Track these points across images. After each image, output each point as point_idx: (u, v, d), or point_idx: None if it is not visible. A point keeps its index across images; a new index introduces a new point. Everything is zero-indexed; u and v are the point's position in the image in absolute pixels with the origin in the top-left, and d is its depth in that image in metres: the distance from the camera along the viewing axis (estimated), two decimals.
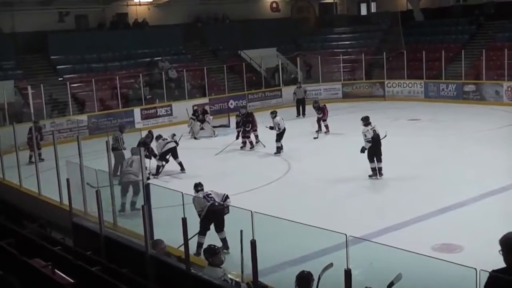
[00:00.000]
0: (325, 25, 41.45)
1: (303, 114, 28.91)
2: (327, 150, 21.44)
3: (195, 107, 27.08)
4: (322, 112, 24.17)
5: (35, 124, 20.94)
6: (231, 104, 30.47)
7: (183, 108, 28.33)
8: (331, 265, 7.22)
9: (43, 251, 8.49)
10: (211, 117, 26.07)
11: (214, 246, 8.77)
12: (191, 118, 25.46)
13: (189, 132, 24.86)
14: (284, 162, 19.41)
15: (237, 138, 22.21)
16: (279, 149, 20.53)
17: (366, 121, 17.04)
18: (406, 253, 6.85)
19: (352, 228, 11.79)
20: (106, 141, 12.63)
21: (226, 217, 11.59)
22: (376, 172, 16.60)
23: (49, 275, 7.15)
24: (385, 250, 10.60)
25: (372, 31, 39.17)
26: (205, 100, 29.62)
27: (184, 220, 8.06)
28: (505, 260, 4.77)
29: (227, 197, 11.87)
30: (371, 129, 16.70)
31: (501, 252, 4.92)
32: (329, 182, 16.76)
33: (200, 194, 11.95)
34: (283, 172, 18.32)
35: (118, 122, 27.07)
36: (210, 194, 11.87)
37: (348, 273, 6.20)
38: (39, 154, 19.80)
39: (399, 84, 33.09)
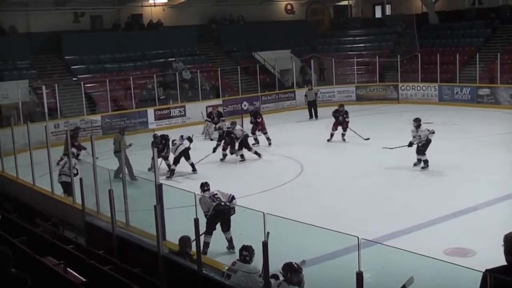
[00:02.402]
0: (339, 28, 41.43)
1: (316, 116, 28.84)
2: (339, 152, 21.40)
3: (210, 109, 27.06)
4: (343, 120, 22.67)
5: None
6: (245, 105, 30.49)
7: (197, 109, 28.43)
8: (412, 279, 7.20)
9: (56, 249, 8.54)
10: (226, 123, 26.09)
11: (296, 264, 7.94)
12: (206, 120, 25.53)
13: (203, 133, 24.90)
14: (297, 164, 19.38)
15: (214, 151, 20.68)
16: (243, 157, 20.30)
17: (417, 122, 18.01)
18: (418, 256, 6.82)
19: (364, 231, 11.82)
20: (120, 141, 12.67)
21: (238, 218, 11.60)
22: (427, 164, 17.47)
23: (61, 273, 7.19)
24: (397, 253, 10.58)
25: (386, 34, 39.12)
26: (218, 101, 29.66)
27: (196, 221, 8.08)
28: (506, 258, 4.76)
29: (233, 197, 11.84)
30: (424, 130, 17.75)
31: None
32: (341, 185, 16.73)
33: (206, 194, 11.97)
34: (296, 174, 18.30)
35: (131, 122, 27.27)
36: (216, 194, 11.87)
37: (359, 276, 6.19)
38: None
39: (413, 87, 32.95)
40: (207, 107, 27.56)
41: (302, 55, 36.15)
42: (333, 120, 22.93)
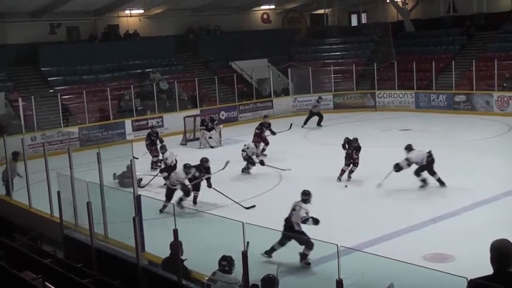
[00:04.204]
0: (316, 36, 41.59)
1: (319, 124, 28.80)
2: (319, 161, 21.44)
3: (202, 117, 26.87)
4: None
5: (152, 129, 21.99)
6: (222, 115, 30.52)
7: (174, 119, 28.35)
8: (392, 285, 7.21)
9: (34, 263, 8.47)
10: (221, 126, 26.12)
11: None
12: (201, 129, 25.43)
13: (200, 144, 25.01)
14: (276, 174, 19.39)
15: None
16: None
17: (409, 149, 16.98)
18: (398, 263, 6.85)
19: (343, 238, 11.84)
20: (97, 153, 12.60)
21: (218, 228, 11.60)
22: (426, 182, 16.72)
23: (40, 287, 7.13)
24: (376, 260, 10.60)
25: (363, 42, 39.33)
26: (196, 111, 29.55)
27: (175, 232, 8.05)
28: (493, 266, 4.79)
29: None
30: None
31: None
32: (321, 193, 16.72)
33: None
34: (275, 184, 18.32)
35: (109, 134, 27.18)
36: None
37: (339, 284, 6.20)
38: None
39: (390, 94, 33.21)
40: (184, 117, 27.39)
41: (279, 64, 36.16)
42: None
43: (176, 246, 8.32)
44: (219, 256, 8.47)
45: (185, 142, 26.03)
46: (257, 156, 19.83)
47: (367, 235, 12.72)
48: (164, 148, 19.01)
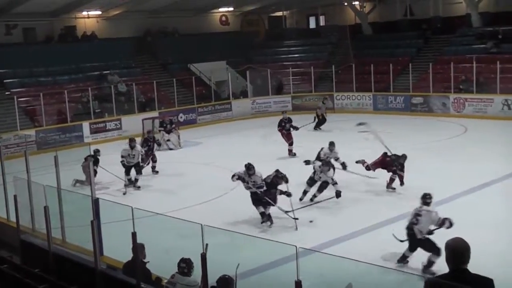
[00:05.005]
0: (274, 39, 41.74)
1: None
2: (277, 161, 21.48)
3: (161, 119, 26.72)
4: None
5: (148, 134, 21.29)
6: (181, 117, 30.45)
7: (132, 121, 28.15)
8: (350, 285, 7.23)
9: None
10: (177, 130, 25.97)
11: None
12: (160, 130, 25.27)
13: (159, 145, 24.62)
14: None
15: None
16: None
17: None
18: (356, 263, 6.92)
19: (302, 240, 11.92)
20: (55, 156, 12.45)
21: (176, 230, 11.57)
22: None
23: None
24: (335, 260, 10.68)
25: (321, 44, 39.66)
26: (155, 113, 29.42)
27: (134, 235, 8.01)
28: (448, 264, 4.88)
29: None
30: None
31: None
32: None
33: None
34: (233, 186, 18.30)
35: (66, 137, 26.87)
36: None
37: (298, 285, 6.23)
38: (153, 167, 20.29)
39: (348, 96, 33.55)
40: (143, 120, 27.26)
41: (238, 66, 36.20)
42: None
43: (135, 249, 8.28)
44: (179, 259, 8.46)
45: (133, 143, 25.79)
46: (335, 160, 17.76)
47: (325, 236, 12.79)
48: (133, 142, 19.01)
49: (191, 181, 19.34)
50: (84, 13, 34.69)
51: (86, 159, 17.43)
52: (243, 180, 14.38)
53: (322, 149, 17.45)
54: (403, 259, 11.21)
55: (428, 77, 31.37)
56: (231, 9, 41.37)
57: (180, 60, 35.45)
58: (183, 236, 11.14)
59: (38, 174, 13.82)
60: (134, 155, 18.47)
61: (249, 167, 14.27)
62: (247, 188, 14.36)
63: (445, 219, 10.84)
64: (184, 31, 37.91)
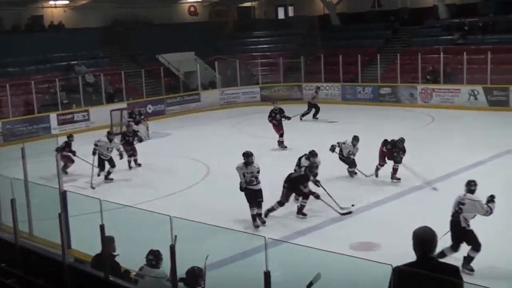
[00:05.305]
0: (243, 29, 41.64)
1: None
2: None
3: (130, 110, 26.47)
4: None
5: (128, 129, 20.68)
6: (149, 108, 30.28)
7: (100, 113, 27.90)
8: (319, 275, 7.21)
9: None
10: (146, 121, 25.75)
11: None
12: (129, 121, 25.04)
13: (140, 141, 24.19)
14: (203, 167, 19.36)
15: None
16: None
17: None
18: (325, 253, 6.93)
19: (271, 231, 11.95)
20: (22, 148, 12.31)
21: (145, 222, 11.51)
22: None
23: None
24: (304, 251, 10.71)
25: (290, 35, 39.64)
26: (123, 105, 29.17)
27: (102, 228, 7.96)
28: (415, 253, 4.94)
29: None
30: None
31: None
32: None
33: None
34: (202, 177, 18.29)
35: (33, 128, 26.55)
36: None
37: (267, 275, 6.24)
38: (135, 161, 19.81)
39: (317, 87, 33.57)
40: (111, 111, 27.00)
41: (206, 57, 36.04)
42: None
43: (104, 242, 8.22)
44: (147, 251, 8.42)
45: (112, 136, 25.63)
46: (352, 154, 17.06)
47: (295, 227, 12.84)
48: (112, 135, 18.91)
49: (160, 172, 19.26)
50: (51, 2, 34.31)
51: (58, 149, 17.21)
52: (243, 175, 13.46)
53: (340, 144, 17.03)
54: (469, 262, 10.36)
55: (396, 68, 31.63)
56: None
57: (149, 51, 35.17)
58: (152, 228, 11.09)
59: (5, 167, 13.68)
60: (111, 148, 18.22)
61: (249, 154, 13.42)
62: (244, 183, 13.43)
63: (490, 207, 10.28)
64: (153, 21, 37.64)
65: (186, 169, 19.34)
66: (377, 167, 16.73)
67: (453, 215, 10.41)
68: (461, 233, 10.28)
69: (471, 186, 10.50)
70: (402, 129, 23.65)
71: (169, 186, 16.89)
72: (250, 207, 13.30)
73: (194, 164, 19.75)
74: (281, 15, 45.75)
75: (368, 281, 8.40)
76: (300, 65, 34.25)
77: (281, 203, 13.70)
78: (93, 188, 17.34)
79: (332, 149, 16.83)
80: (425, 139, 22.10)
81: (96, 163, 18.00)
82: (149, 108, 30.27)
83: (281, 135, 21.83)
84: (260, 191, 13.38)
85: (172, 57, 34.73)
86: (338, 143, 16.86)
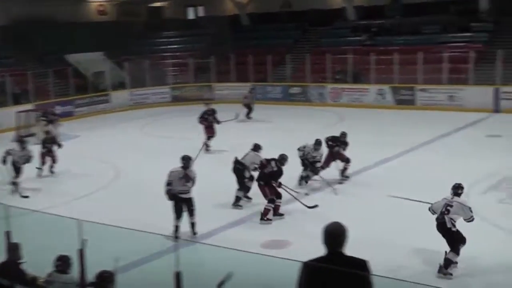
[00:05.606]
0: (153, 29, 41.26)
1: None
2: (156, 154, 21.38)
3: (43, 110, 25.69)
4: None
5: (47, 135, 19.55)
6: (58, 109, 29.59)
7: (6, 115, 27.00)
8: (230, 274, 7.17)
9: None
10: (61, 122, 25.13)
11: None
12: (42, 119, 24.32)
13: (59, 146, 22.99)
14: (113, 168, 19.12)
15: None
16: None
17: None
18: (235, 251, 7.01)
19: (183, 231, 11.91)
20: None
21: (51, 227, 11.30)
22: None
23: None
24: (215, 250, 10.79)
25: (200, 35, 39.56)
26: (30, 106, 28.42)
27: (7, 234, 7.77)
28: (325, 248, 5.03)
29: None
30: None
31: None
32: (158, 185, 16.69)
33: None
34: (113, 177, 18.07)
35: None
36: None
37: (178, 275, 6.25)
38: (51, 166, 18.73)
39: (228, 87, 33.81)
40: (17, 113, 26.10)
41: (115, 57, 35.51)
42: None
43: (9, 249, 8.02)
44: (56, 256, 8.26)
45: (18, 138, 24.89)
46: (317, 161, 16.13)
47: (206, 227, 12.82)
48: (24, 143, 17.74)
49: (69, 175, 18.87)
50: None
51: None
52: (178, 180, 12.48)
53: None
54: (446, 266, 10.35)
55: (305, 68, 32.14)
56: None
57: (56, 50, 34.31)
58: (60, 233, 10.89)
59: None
60: (24, 156, 17.36)
61: (189, 158, 12.62)
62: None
63: (472, 217, 10.38)
64: (60, 20, 36.71)
65: (95, 172, 18.97)
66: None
67: (438, 218, 10.50)
68: (447, 233, 10.37)
69: (457, 190, 10.62)
70: (312, 128, 24.16)
71: (78, 190, 16.54)
72: (177, 218, 12.27)
73: (104, 166, 19.46)
74: (191, 15, 45.62)
75: (280, 277, 8.49)
76: (210, 65, 34.31)
77: (272, 201, 13.52)
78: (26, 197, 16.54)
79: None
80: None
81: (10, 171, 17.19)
82: (57, 109, 29.55)
83: (209, 138, 21.09)
84: (192, 199, 12.46)
85: (80, 57, 34.10)
86: (298, 148, 16.26)
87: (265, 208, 13.39)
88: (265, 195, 13.61)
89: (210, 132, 21.19)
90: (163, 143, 22.77)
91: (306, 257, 5.10)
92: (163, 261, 9.74)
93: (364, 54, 31.38)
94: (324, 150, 16.41)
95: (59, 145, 19.02)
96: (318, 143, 15.99)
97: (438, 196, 10.59)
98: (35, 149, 18.42)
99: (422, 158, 16.90)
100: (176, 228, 12.14)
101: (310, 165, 15.99)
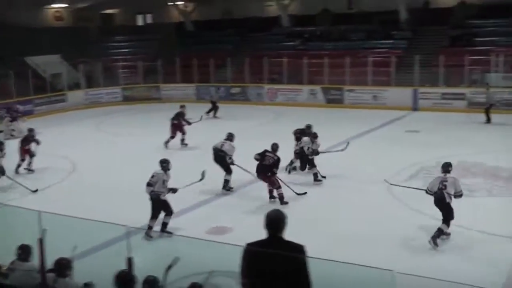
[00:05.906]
0: (106, 34, 40.78)
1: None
2: (110, 148, 21.18)
3: (8, 107, 25.07)
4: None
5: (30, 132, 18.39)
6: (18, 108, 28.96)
7: None
8: (177, 259, 7.15)
9: None
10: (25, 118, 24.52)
11: None
12: (5, 116, 23.71)
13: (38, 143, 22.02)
14: (69, 163, 18.85)
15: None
16: None
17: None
18: (182, 238, 7.05)
19: (133, 219, 11.83)
20: None
21: (11, 219, 11.12)
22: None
23: None
24: (163, 237, 10.76)
25: (148, 40, 39.36)
26: None
27: None
28: (266, 232, 5.11)
29: None
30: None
31: None
32: (114, 178, 16.60)
33: None
34: (68, 173, 17.83)
35: None
36: None
37: (130, 261, 6.27)
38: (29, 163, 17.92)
39: (174, 87, 33.84)
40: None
41: (71, 59, 34.96)
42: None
43: None
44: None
45: None
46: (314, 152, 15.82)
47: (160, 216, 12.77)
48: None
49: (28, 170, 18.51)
50: None
51: None
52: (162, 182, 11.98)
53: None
54: (439, 235, 10.74)
55: (245, 70, 32.32)
56: (65, 5, 39.91)
57: (16, 53, 33.51)
58: (22, 224, 10.72)
59: None
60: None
61: (168, 161, 12.12)
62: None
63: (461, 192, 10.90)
64: (20, 25, 35.81)
65: (53, 167, 18.63)
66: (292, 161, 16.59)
67: (436, 193, 10.86)
68: (445, 206, 10.78)
69: (448, 167, 11.08)
70: (250, 125, 24.31)
71: (36, 183, 16.22)
72: (152, 217, 11.64)
73: (61, 161, 19.17)
74: (140, 22, 45.41)
75: (220, 261, 8.55)
76: (158, 68, 34.24)
77: (280, 186, 13.78)
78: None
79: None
80: (269, 133, 22.55)
81: None
82: (18, 108, 28.95)
83: (172, 138, 20.65)
84: (166, 201, 11.91)
85: (39, 59, 33.56)
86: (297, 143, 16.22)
87: (279, 194, 13.62)
88: (273, 184, 13.79)
89: (174, 132, 20.76)
90: (115, 139, 22.55)
91: (246, 241, 5.15)
92: (116, 248, 9.70)
93: (298, 57, 31.74)
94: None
95: (38, 142, 18.37)
96: (315, 136, 15.93)
97: (366, 182, 10.82)
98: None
99: (350, 151, 17.11)
100: (150, 227, 11.52)
101: (308, 159, 15.86)
